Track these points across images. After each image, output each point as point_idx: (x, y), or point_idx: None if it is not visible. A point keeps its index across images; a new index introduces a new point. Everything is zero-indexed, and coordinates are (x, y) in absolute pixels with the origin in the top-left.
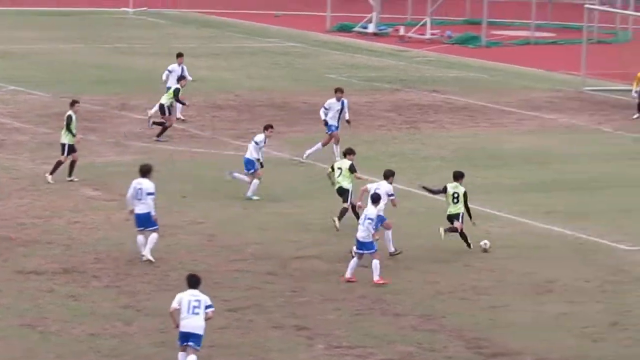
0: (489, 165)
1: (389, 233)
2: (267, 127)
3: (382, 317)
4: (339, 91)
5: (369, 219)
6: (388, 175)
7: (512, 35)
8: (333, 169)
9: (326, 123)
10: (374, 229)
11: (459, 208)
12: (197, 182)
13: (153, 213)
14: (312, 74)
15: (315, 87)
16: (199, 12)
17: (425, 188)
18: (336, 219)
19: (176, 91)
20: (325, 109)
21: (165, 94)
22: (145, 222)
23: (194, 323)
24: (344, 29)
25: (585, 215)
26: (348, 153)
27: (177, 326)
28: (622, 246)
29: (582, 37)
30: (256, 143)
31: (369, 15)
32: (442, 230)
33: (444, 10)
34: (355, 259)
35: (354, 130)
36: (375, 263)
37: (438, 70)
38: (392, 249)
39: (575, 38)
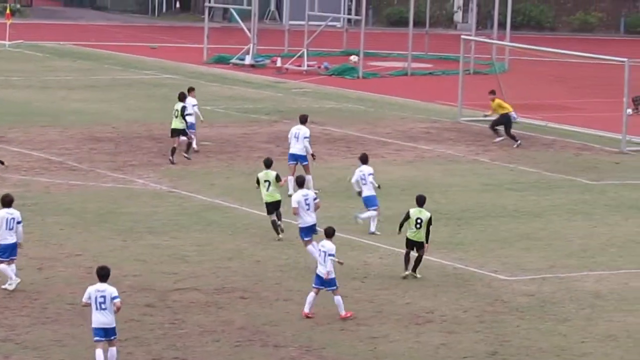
0: None
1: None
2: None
3: (261, 348)
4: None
5: (330, 255)
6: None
7: (389, 66)
8: (259, 183)
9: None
10: (332, 264)
11: (422, 235)
12: (75, 215)
13: (19, 241)
14: None
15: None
16: (75, 44)
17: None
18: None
19: (183, 109)
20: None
21: (177, 119)
22: (13, 251)
23: (103, 319)
24: (221, 61)
25: (462, 245)
26: (271, 163)
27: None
28: (500, 276)
29: (459, 68)
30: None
31: (246, 47)
32: (406, 273)
33: (321, 41)
34: (312, 293)
35: (231, 163)
36: (338, 299)
37: (315, 102)
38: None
39: (451, 69)
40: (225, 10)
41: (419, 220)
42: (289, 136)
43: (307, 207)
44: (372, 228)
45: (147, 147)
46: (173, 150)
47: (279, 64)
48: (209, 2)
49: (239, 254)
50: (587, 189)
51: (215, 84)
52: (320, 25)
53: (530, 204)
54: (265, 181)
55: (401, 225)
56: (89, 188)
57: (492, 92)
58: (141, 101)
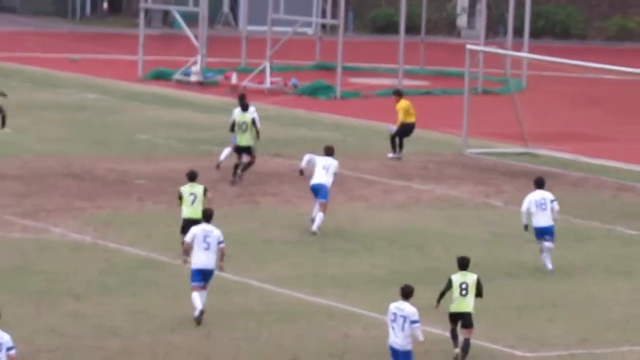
0: (347, 250)
1: None
2: None
3: None
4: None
5: (413, 321)
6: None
7: (374, 84)
8: (181, 198)
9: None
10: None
11: (469, 303)
12: None
13: None
14: (119, 134)
15: (124, 151)
16: None
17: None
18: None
19: (254, 121)
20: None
21: (246, 133)
22: None
23: None
24: (161, 77)
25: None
26: (196, 176)
27: None
28: (517, 352)
29: (463, 86)
30: None
31: (193, 59)
32: (456, 351)
33: (288, 52)
34: None
35: (172, 207)
36: None
37: (281, 129)
38: None
39: (454, 87)
40: (166, 13)
41: (464, 286)
42: (314, 165)
43: (205, 245)
44: (549, 265)
45: (65, 186)
46: (236, 167)
47: (234, 80)
48: (145, 2)
49: (183, 325)
50: (628, 241)
51: (154, 106)
52: (286, 32)
53: (555, 260)
54: (191, 194)
55: (441, 296)
56: None
57: (398, 93)
58: (58, 128)
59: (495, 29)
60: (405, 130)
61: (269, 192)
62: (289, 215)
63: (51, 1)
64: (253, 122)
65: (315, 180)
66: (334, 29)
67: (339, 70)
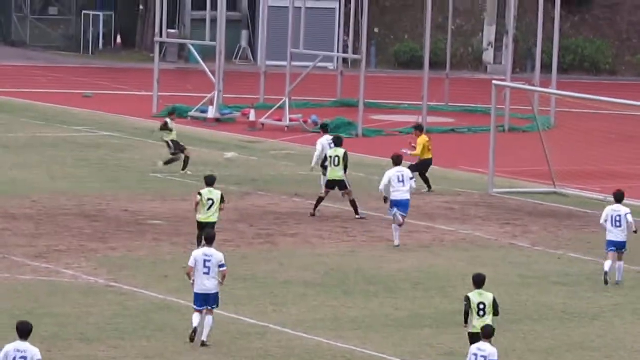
0: (369, 292)
1: None
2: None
3: None
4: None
5: None
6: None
7: (398, 121)
8: (202, 196)
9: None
10: None
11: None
12: None
13: None
14: (133, 173)
15: (137, 189)
16: None
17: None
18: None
19: (346, 156)
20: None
21: (337, 168)
22: None
23: None
24: (177, 114)
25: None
26: (214, 180)
27: None
28: None
29: (490, 123)
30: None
31: (209, 95)
32: None
33: (308, 88)
34: None
35: (189, 248)
36: None
37: (301, 168)
38: None
39: (480, 124)
40: (182, 47)
41: (481, 306)
42: (389, 181)
43: (205, 269)
44: (619, 277)
45: (78, 227)
46: (319, 201)
47: (252, 117)
48: (160, 36)
49: None
50: None
51: None
52: (306, 67)
53: (584, 303)
54: (209, 199)
55: (466, 316)
56: (0, 281)
57: (418, 128)
58: (70, 167)
59: (522, 64)
60: (424, 166)
61: (287, 232)
62: (308, 256)
63: (62, 35)
64: (345, 156)
65: (397, 195)
66: (355, 64)
67: (361, 106)
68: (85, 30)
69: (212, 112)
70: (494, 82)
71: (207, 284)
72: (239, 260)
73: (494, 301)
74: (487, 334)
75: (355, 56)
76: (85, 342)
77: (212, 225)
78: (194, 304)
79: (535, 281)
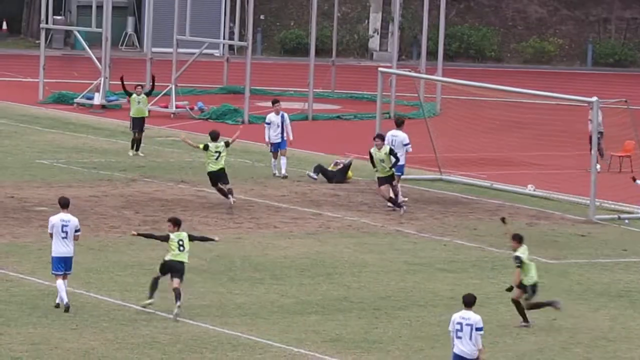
0: (255, 279)
1: None
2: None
3: None
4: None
5: (477, 328)
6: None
7: (284, 107)
8: (206, 148)
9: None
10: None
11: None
12: None
13: None
14: (18, 159)
15: (23, 176)
16: None
17: None
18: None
19: (392, 151)
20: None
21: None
22: None
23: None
24: (62, 100)
25: (381, 344)
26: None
27: None
28: None
29: (375, 110)
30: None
31: (95, 82)
32: None
33: (194, 75)
34: None
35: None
36: None
37: (187, 154)
38: None
39: (366, 111)
40: (68, 33)
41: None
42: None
43: (63, 234)
44: None
45: None
46: (396, 195)
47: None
48: (46, 23)
49: (86, 357)
50: (544, 269)
51: (55, 130)
52: (193, 54)
53: (469, 290)
54: (216, 152)
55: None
56: None
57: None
58: None
59: (408, 51)
60: None
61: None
62: (195, 243)
63: None
64: (391, 152)
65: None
66: (241, 50)
67: (247, 93)
68: None
69: (98, 99)
70: (380, 69)
71: (64, 249)
72: (125, 247)
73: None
74: (468, 302)
75: (241, 43)
76: None
77: (223, 170)
78: (53, 269)
79: (421, 267)
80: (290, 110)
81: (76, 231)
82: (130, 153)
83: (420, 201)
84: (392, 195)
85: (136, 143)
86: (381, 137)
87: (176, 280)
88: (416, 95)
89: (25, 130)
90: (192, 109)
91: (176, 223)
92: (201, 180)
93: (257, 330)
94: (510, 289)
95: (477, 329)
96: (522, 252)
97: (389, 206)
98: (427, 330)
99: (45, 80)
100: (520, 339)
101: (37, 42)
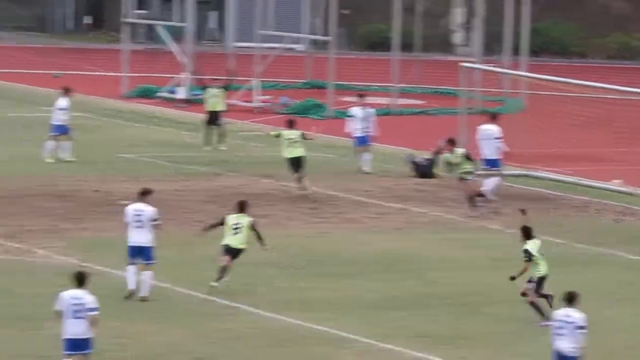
0: (341, 274)
1: None
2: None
3: None
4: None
5: (580, 327)
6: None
7: (368, 102)
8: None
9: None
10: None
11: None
12: None
13: None
14: (102, 153)
15: (108, 171)
16: None
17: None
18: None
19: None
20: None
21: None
22: None
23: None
24: (146, 94)
25: (465, 339)
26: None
27: None
28: None
29: (459, 105)
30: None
31: (178, 76)
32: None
33: (278, 70)
34: None
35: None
36: None
37: (271, 149)
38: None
39: (450, 106)
40: (151, 27)
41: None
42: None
43: (138, 223)
44: None
45: (49, 207)
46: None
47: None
48: (128, 17)
49: (175, 349)
50: (631, 266)
51: (138, 124)
52: (275, 49)
53: (557, 286)
54: (289, 138)
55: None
56: None
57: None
58: (40, 147)
59: (492, 46)
60: None
61: (258, 213)
62: (278, 237)
63: (32, 16)
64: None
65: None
66: (325, 45)
67: (331, 88)
68: (53, 11)
69: (181, 93)
70: (463, 64)
71: (138, 237)
72: (210, 241)
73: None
74: (570, 298)
75: (325, 37)
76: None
77: (301, 158)
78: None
79: (507, 264)
80: (374, 105)
81: (154, 220)
82: (207, 148)
83: (506, 197)
84: (480, 189)
85: (219, 137)
86: (452, 142)
87: (226, 258)
88: (500, 90)
89: (109, 125)
90: (275, 103)
91: (239, 205)
92: (286, 175)
93: (343, 325)
94: (513, 278)
95: (580, 328)
96: (532, 245)
97: (477, 206)
98: (515, 327)
99: (128, 74)
100: (609, 335)
101: (119, 36)
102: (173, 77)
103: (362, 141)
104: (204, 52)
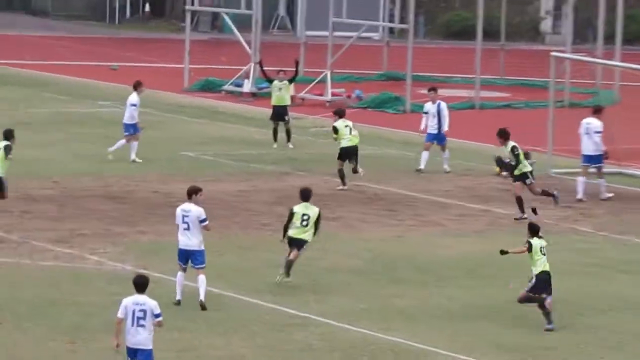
0: (418, 281)
1: None
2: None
3: None
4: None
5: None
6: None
7: (449, 95)
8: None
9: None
10: None
11: None
12: (0, 307)
13: None
14: (163, 151)
15: (168, 169)
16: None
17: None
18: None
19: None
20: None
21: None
22: None
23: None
24: (209, 88)
25: (559, 351)
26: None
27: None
28: None
29: (548, 98)
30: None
31: (245, 68)
32: None
33: (352, 60)
34: None
35: (223, 233)
36: None
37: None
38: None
39: (537, 99)
40: (215, 16)
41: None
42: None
43: (185, 225)
44: None
45: (103, 209)
46: (545, 193)
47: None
48: (191, 4)
49: None
50: None
51: (202, 120)
52: (349, 38)
53: None
54: (346, 126)
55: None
56: (21, 268)
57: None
58: (95, 145)
59: (583, 34)
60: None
61: (329, 216)
62: (352, 241)
63: (86, 4)
64: (513, 150)
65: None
66: (402, 34)
67: (409, 80)
68: None
69: (247, 86)
70: (553, 53)
71: (186, 240)
72: (277, 245)
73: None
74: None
75: (403, 25)
76: (111, 333)
77: (355, 148)
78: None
79: (600, 269)
80: (455, 98)
81: (201, 221)
82: (275, 145)
83: (597, 197)
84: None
85: (286, 133)
86: (502, 134)
87: (294, 253)
88: (592, 82)
89: (170, 120)
90: (349, 97)
91: (303, 194)
92: (362, 174)
93: (421, 336)
94: (504, 252)
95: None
96: (536, 242)
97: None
98: (612, 339)
99: (190, 66)
100: None
101: (181, 25)
102: (241, 69)
103: (432, 138)
104: (272, 42)
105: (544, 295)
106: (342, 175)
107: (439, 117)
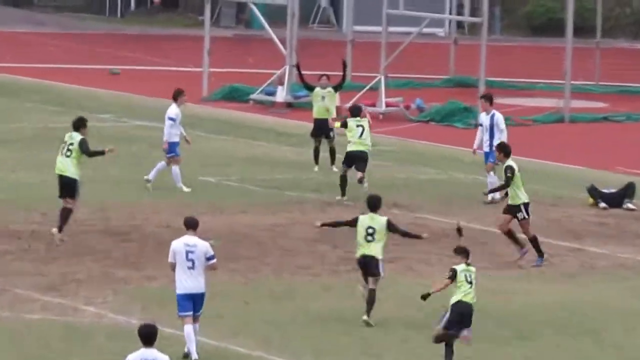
0: (496, 337)
1: None
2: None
3: None
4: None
5: None
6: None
7: (532, 105)
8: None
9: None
10: None
11: None
12: None
13: None
14: None
15: (183, 198)
16: None
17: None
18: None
19: None
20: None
21: None
22: None
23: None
24: (234, 96)
25: None
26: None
27: None
28: None
29: None
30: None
31: (278, 72)
32: None
33: (411, 61)
34: None
35: (252, 277)
36: None
37: (401, 169)
38: None
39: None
40: (241, 7)
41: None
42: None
43: (189, 263)
44: None
45: (103, 249)
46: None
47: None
48: None
49: None
50: None
51: (224, 136)
52: (408, 34)
53: None
54: (358, 126)
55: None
56: (0, 322)
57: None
58: (93, 168)
59: None
60: None
61: (384, 257)
62: (411, 287)
63: None
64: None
65: None
66: (474, 29)
67: (482, 87)
68: None
69: (281, 95)
70: None
71: (191, 283)
72: (319, 293)
73: None
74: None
75: (474, 19)
76: None
77: (364, 153)
78: (179, 311)
79: None
80: (539, 109)
81: (208, 259)
82: (315, 168)
83: None
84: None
85: (330, 153)
86: (502, 149)
87: (371, 280)
88: None
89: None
90: (407, 107)
91: (370, 203)
92: (421, 205)
93: None
94: (426, 296)
95: None
96: (462, 268)
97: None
98: None
99: (211, 69)
100: None
101: (200, 18)
102: (273, 73)
103: (488, 157)
104: (312, 40)
105: (464, 332)
106: (342, 184)
107: (491, 132)
